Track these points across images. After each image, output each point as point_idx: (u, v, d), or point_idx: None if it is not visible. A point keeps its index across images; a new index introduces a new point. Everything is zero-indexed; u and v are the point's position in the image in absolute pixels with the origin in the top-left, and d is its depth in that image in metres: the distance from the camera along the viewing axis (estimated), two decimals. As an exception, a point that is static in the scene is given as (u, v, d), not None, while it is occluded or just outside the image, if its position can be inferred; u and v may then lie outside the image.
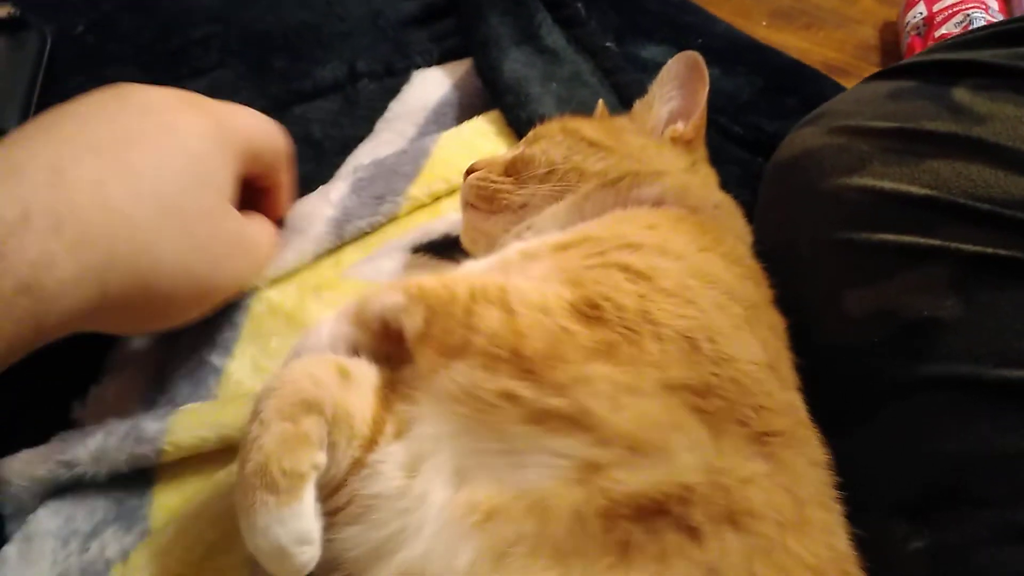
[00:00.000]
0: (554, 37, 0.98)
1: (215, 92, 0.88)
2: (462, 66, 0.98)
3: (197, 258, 0.55)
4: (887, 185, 0.64)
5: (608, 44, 1.00)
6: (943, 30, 1.27)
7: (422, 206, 0.83)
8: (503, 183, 0.69)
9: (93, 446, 0.60)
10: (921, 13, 1.31)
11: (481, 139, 0.89)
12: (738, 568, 0.41)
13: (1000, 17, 1.27)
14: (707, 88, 0.72)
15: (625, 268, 0.52)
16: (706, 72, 0.72)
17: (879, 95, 0.72)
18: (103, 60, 0.95)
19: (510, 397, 0.46)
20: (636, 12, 1.09)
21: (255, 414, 0.48)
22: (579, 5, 1.02)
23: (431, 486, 0.46)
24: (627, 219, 0.61)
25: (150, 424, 0.62)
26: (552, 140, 0.70)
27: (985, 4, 1.28)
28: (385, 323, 0.53)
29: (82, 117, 0.55)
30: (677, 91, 0.73)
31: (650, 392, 0.45)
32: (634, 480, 0.43)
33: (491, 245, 0.67)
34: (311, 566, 0.46)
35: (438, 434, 0.48)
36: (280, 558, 0.45)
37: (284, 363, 0.53)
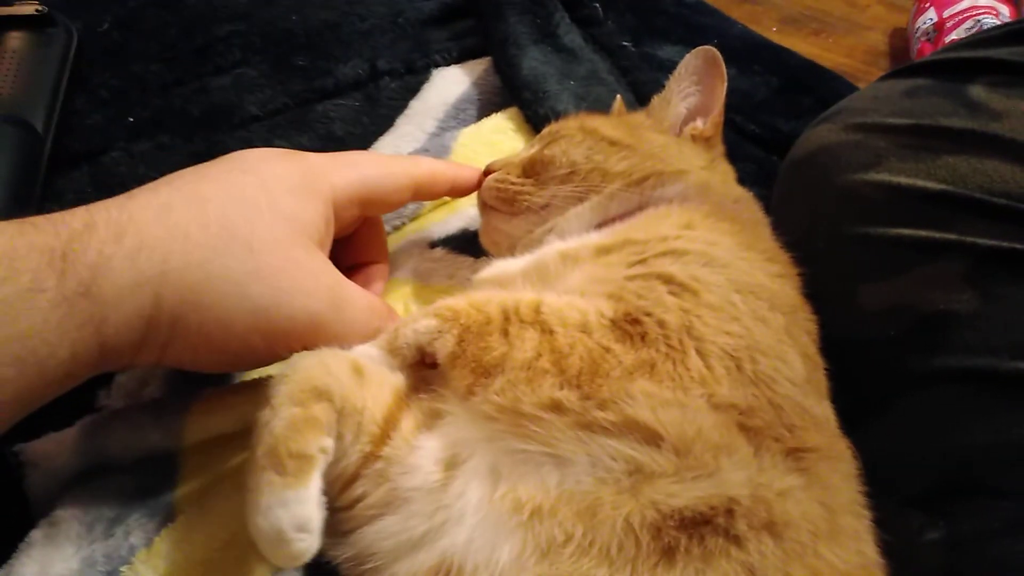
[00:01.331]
0: (572, 36, 0.99)
1: (238, 89, 0.92)
2: (481, 65, 0.99)
3: (258, 285, 0.52)
4: (903, 180, 0.64)
5: (625, 44, 1.00)
6: (953, 35, 1.28)
7: (443, 203, 0.84)
8: (523, 185, 0.68)
9: (118, 429, 0.61)
10: (931, 19, 1.32)
11: (500, 136, 0.89)
12: (775, 569, 0.43)
13: (1011, 22, 1.26)
14: (725, 84, 0.72)
15: (668, 279, 0.52)
16: (723, 67, 0.71)
17: (895, 92, 0.72)
18: (128, 57, 0.96)
19: (556, 407, 0.46)
20: (653, 13, 1.09)
21: (267, 400, 0.49)
22: (596, 5, 1.03)
23: (468, 483, 0.47)
24: (662, 217, 0.61)
25: (173, 401, 0.63)
26: (571, 140, 0.69)
27: (995, 10, 1.28)
28: (420, 349, 0.53)
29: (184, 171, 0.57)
30: (695, 87, 0.73)
31: (697, 408, 0.46)
32: (685, 495, 0.44)
33: (512, 246, 0.68)
34: (306, 557, 0.46)
35: (472, 438, 0.49)
36: (278, 542, 0.45)
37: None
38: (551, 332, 0.49)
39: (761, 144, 0.94)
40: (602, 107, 0.85)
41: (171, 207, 0.52)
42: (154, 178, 0.55)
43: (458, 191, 0.73)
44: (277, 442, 0.46)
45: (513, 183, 0.69)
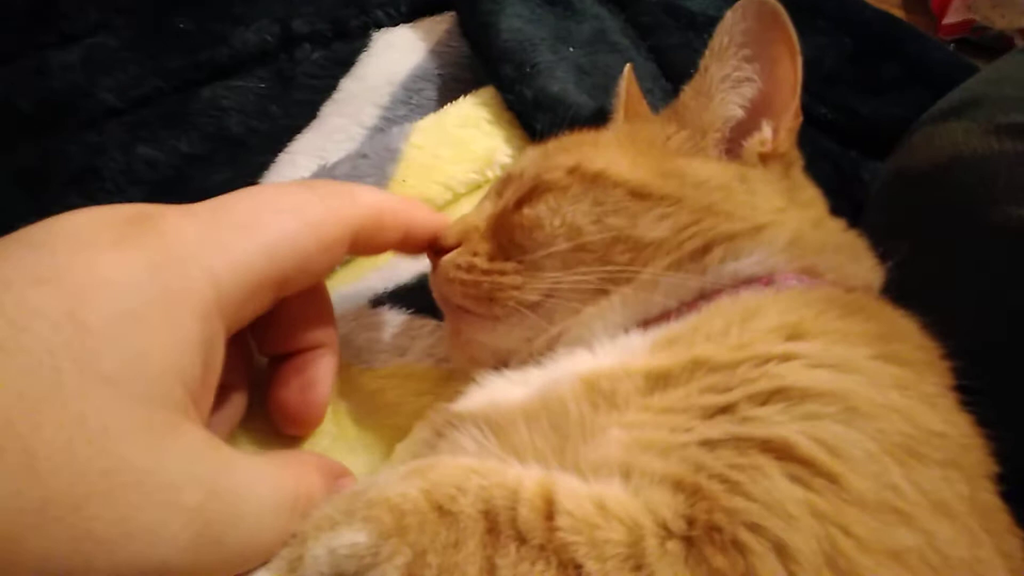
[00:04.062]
0: (570, -18, 0.80)
1: (89, 68, 0.70)
2: (442, 24, 0.81)
3: (41, 537, 0.30)
4: None
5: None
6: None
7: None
8: (503, 271, 0.48)
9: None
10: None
11: (471, 130, 0.72)
12: None
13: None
14: (798, 57, 0.51)
15: (784, 450, 0.34)
16: (791, 29, 0.50)
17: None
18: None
19: None
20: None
21: None
22: (600, -65, 0.82)
23: None
24: (750, 316, 0.43)
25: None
26: (566, 194, 0.49)
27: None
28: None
29: None
30: (749, 65, 0.51)
31: None
32: None
33: (498, 360, 0.49)
34: None
35: None
36: None
37: None
38: (576, 568, 0.32)
39: (833, 133, 0.75)
40: (614, 83, 0.65)
41: None
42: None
43: (413, 243, 0.50)
44: None
45: (486, 270, 0.49)
